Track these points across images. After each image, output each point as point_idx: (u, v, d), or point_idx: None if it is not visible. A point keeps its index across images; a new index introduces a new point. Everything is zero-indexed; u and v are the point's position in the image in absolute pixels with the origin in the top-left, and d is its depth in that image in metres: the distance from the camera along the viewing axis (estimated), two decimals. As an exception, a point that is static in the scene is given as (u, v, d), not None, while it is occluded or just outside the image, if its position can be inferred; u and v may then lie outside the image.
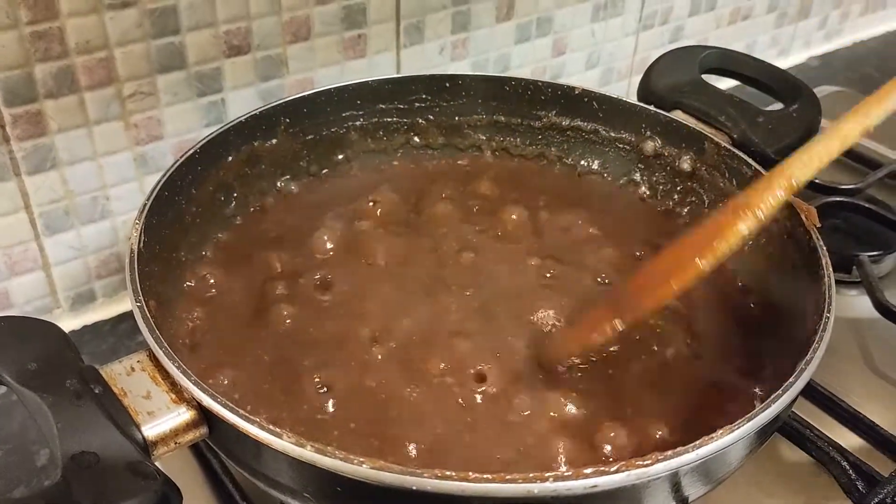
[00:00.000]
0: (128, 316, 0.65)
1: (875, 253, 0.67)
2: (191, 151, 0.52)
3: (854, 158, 0.81)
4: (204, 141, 0.53)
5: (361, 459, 0.33)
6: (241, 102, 0.64)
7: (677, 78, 0.61)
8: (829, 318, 0.41)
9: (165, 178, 0.49)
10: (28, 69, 0.54)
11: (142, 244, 0.45)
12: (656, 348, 0.47)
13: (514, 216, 0.57)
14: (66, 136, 0.58)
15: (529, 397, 0.44)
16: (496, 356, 0.46)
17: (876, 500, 0.47)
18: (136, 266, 0.43)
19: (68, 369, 0.37)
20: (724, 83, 0.66)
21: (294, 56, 0.65)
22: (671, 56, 0.63)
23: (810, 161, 0.45)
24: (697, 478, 0.37)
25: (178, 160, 0.51)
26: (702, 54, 0.63)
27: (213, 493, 0.51)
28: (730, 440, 0.35)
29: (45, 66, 0.55)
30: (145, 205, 0.47)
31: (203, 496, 0.51)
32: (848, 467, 0.49)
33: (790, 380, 0.38)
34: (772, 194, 0.44)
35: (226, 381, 0.44)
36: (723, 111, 0.58)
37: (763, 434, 0.39)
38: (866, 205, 0.71)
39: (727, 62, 0.64)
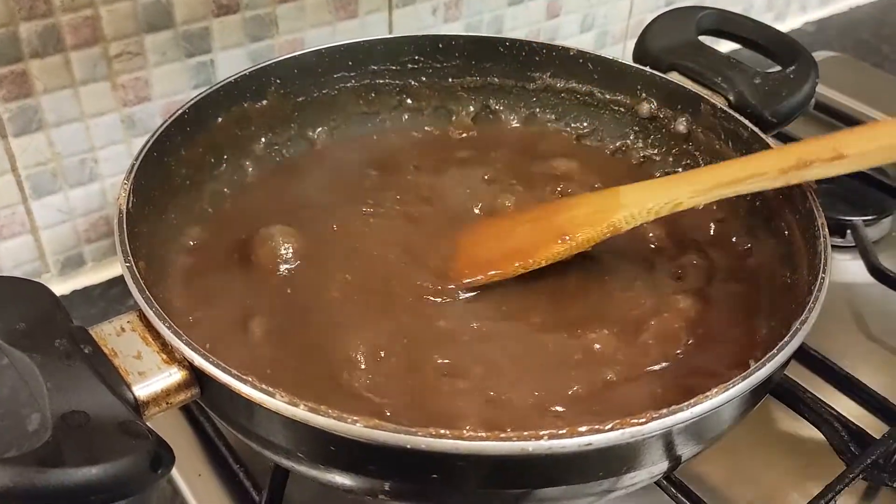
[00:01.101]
0: (118, 280, 0.65)
1: (869, 217, 0.67)
2: (180, 112, 0.51)
3: (847, 122, 0.80)
4: (193, 102, 0.52)
5: (355, 418, 0.33)
6: (231, 63, 0.63)
7: (674, 39, 0.60)
8: (824, 278, 0.41)
9: (154, 138, 0.48)
10: (12, 28, 0.53)
11: (131, 205, 0.44)
12: (652, 310, 0.47)
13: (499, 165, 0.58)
14: (52, 96, 0.57)
15: None
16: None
17: (868, 461, 0.48)
18: (125, 226, 0.42)
19: (58, 330, 0.37)
20: (722, 45, 0.65)
21: (284, 16, 0.64)
22: (668, 17, 0.62)
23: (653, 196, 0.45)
24: (691, 437, 0.37)
25: (166, 121, 0.50)
26: (699, 15, 0.62)
27: (205, 455, 0.51)
28: (724, 399, 0.35)
29: (30, 25, 0.54)
30: (134, 165, 0.46)
31: (195, 458, 0.51)
32: (841, 429, 0.50)
33: (785, 339, 0.38)
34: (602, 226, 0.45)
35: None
36: (719, 73, 0.57)
37: (757, 394, 0.39)
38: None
39: (724, 23, 0.63)
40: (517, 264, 0.47)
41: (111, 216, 0.64)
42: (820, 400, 0.51)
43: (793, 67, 0.59)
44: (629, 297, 0.48)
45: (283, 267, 0.49)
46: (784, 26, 1.04)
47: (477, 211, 0.54)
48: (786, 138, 0.72)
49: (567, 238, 0.46)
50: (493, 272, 0.48)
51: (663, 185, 0.46)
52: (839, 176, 0.70)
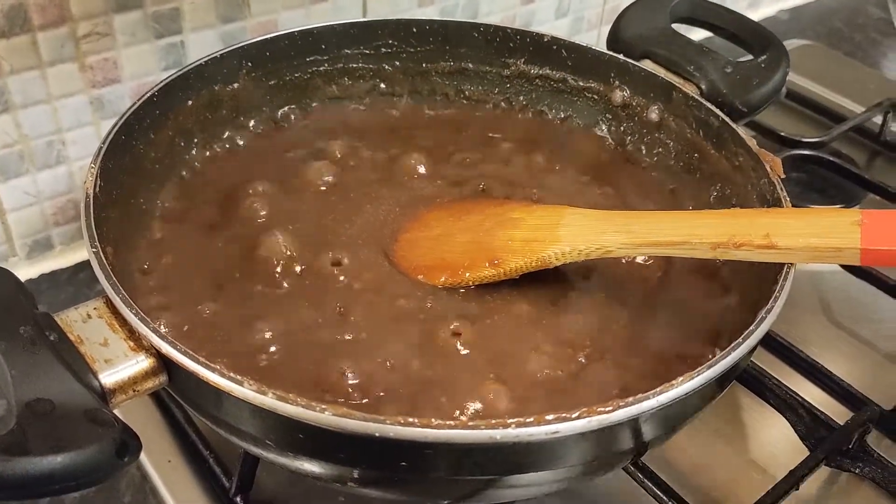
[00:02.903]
0: (86, 265, 0.62)
1: (837, 206, 0.68)
2: (149, 94, 0.50)
3: (819, 111, 0.81)
4: (163, 84, 0.51)
5: (324, 406, 0.33)
6: (202, 45, 0.62)
7: (647, 26, 0.60)
8: (790, 267, 0.42)
9: (122, 121, 0.47)
10: (-24, 6, 0.52)
11: (98, 188, 0.43)
12: (615, 298, 0.48)
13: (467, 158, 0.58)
14: (18, 77, 0.56)
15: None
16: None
17: (832, 447, 0.49)
18: (91, 211, 0.42)
19: (22, 316, 0.36)
20: (695, 33, 0.65)
21: (256, -2, 0.64)
22: (642, 4, 0.62)
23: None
24: (658, 424, 0.38)
25: (135, 103, 0.49)
26: (672, 3, 0.62)
27: (175, 442, 0.51)
28: (690, 387, 0.36)
29: (-5, 4, 0.53)
30: (101, 148, 0.45)
31: (166, 445, 0.51)
32: (805, 415, 0.50)
33: (751, 327, 0.39)
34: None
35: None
36: (692, 61, 0.57)
37: (723, 381, 0.40)
38: (830, 158, 0.71)
39: (697, 11, 0.63)
40: (443, 278, 0.47)
41: (79, 199, 0.63)
42: (785, 386, 0.52)
43: (764, 56, 0.59)
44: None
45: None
46: (758, 14, 1.04)
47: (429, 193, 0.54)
48: (757, 127, 0.73)
49: (497, 263, 0.46)
50: (421, 277, 0.48)
51: (598, 229, 0.45)
52: (810, 166, 0.72)
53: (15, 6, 0.53)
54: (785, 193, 0.47)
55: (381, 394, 0.41)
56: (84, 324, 0.37)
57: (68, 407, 0.33)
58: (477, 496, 0.40)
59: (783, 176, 0.48)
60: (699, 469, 0.50)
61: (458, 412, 0.41)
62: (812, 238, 0.40)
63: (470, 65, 0.62)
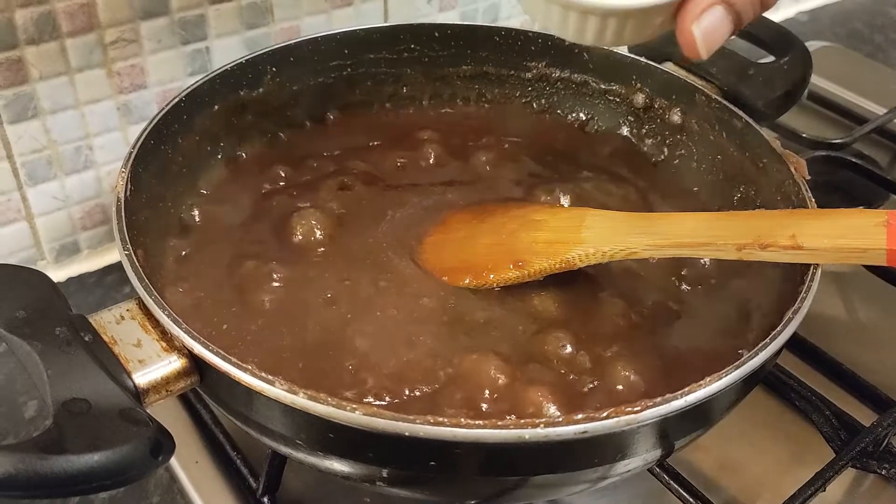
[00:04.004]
0: (113, 268, 0.65)
1: (861, 207, 0.67)
2: (176, 100, 0.51)
3: (840, 113, 0.81)
4: (189, 89, 0.52)
5: (354, 406, 0.34)
6: (226, 51, 0.63)
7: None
8: (816, 267, 0.42)
9: (151, 126, 0.48)
10: (8, 14, 0.53)
11: (128, 193, 0.44)
12: (641, 299, 0.48)
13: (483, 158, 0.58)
14: (47, 83, 0.57)
15: None
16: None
17: (857, 449, 0.48)
18: (122, 215, 0.42)
19: (57, 317, 0.37)
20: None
21: (279, 3, 0.64)
22: (663, 7, 0.62)
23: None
24: (685, 425, 0.38)
25: (163, 108, 0.50)
26: (693, 5, 0.62)
27: (202, 443, 0.51)
28: (718, 387, 0.36)
29: (26, 12, 0.54)
30: (131, 153, 0.46)
31: (193, 445, 0.51)
32: (830, 417, 0.50)
33: (778, 328, 0.39)
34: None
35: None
36: (714, 63, 0.57)
37: (749, 382, 0.40)
38: (853, 159, 0.71)
39: (719, 14, 0.63)
40: (467, 280, 0.47)
41: (106, 204, 0.64)
42: (809, 388, 0.52)
43: (787, 58, 0.59)
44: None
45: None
46: (777, 16, 1.04)
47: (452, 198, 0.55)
48: (778, 128, 0.73)
49: (521, 265, 0.46)
50: (445, 279, 0.48)
51: (623, 231, 0.45)
52: (832, 168, 0.72)
53: (44, 14, 0.54)
54: (810, 194, 0.47)
55: (405, 392, 0.41)
56: (118, 325, 0.38)
57: (104, 406, 0.34)
58: (505, 496, 0.40)
59: (808, 177, 0.48)
60: (725, 471, 0.50)
61: (479, 412, 0.41)
62: (838, 239, 0.40)
63: (491, 68, 0.63)
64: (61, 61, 0.56)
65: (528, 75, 0.62)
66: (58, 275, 0.64)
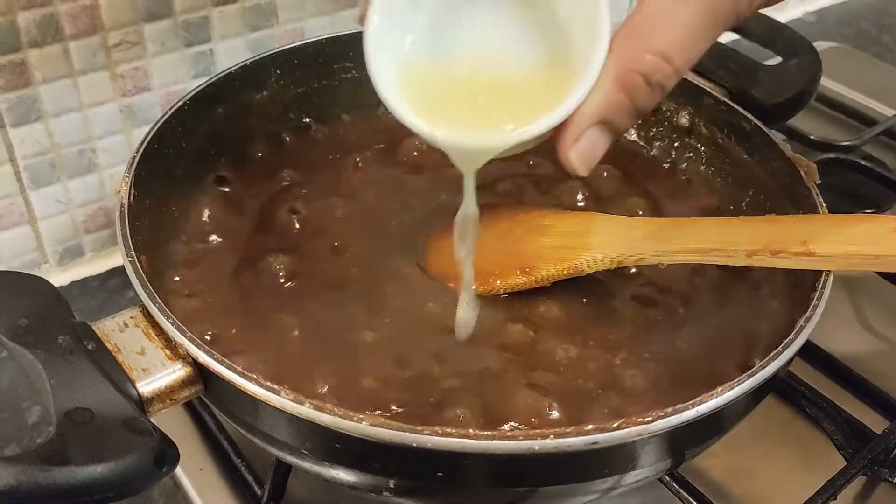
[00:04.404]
0: (117, 272, 0.64)
1: (870, 211, 0.67)
2: (180, 103, 0.50)
3: (848, 115, 0.80)
4: (193, 93, 0.51)
5: (361, 416, 0.33)
6: (230, 53, 0.62)
7: (677, 31, 0.60)
8: (828, 274, 0.41)
9: (155, 129, 0.48)
10: (11, 17, 0.53)
11: (132, 198, 0.44)
12: (650, 306, 0.47)
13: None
14: (50, 86, 0.56)
15: None
16: None
17: (868, 456, 0.48)
18: (126, 220, 0.42)
19: (60, 325, 0.36)
20: (724, 37, 0.64)
21: (284, 5, 0.64)
22: (670, 9, 0.62)
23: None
24: (696, 435, 0.37)
25: (167, 112, 0.49)
26: (701, 7, 0.62)
27: (207, 450, 0.51)
28: (730, 397, 0.35)
29: (29, 14, 0.53)
30: (134, 157, 0.46)
31: (197, 453, 0.51)
32: (841, 424, 0.50)
33: (790, 336, 0.38)
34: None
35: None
36: (722, 65, 0.57)
37: (761, 391, 0.39)
38: (862, 162, 0.71)
39: (727, 15, 0.63)
40: (473, 286, 0.46)
41: (110, 207, 0.64)
42: (820, 395, 0.51)
43: (796, 60, 0.58)
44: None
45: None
46: (784, 16, 1.03)
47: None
48: (786, 131, 0.72)
49: (528, 271, 0.46)
50: (452, 284, 0.47)
51: (631, 236, 0.44)
52: (841, 171, 0.71)
53: (47, 16, 0.54)
54: (821, 199, 0.46)
55: (411, 400, 0.41)
56: (121, 333, 0.38)
57: (107, 416, 0.33)
58: (512, 507, 0.40)
59: (819, 182, 0.47)
60: (735, 480, 0.50)
61: (487, 420, 0.40)
62: (850, 245, 0.40)
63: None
64: (64, 64, 0.56)
65: (535, 78, 0.61)
66: (61, 278, 0.63)
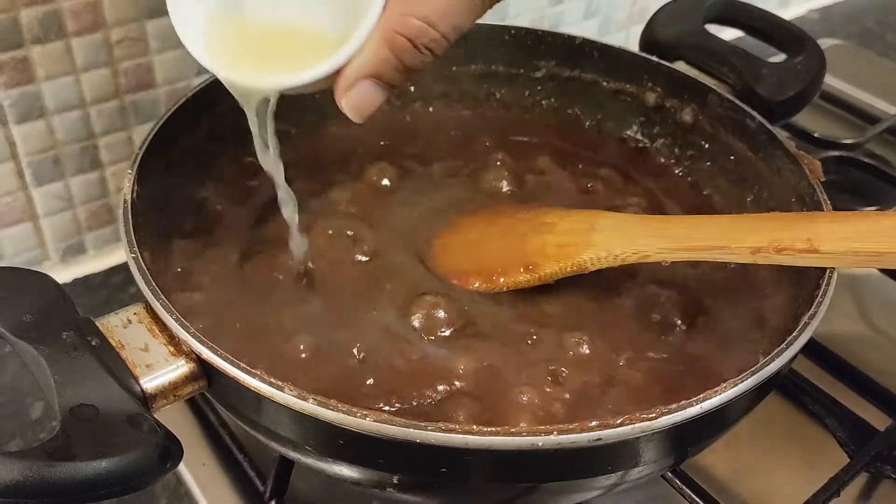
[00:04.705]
0: (119, 269, 0.64)
1: (873, 208, 0.66)
2: (183, 100, 0.50)
3: (852, 112, 0.80)
4: (196, 90, 0.51)
5: (365, 412, 0.33)
6: (234, 50, 0.62)
7: (680, 28, 0.60)
8: (832, 271, 0.41)
9: (158, 127, 0.48)
10: (13, 13, 0.53)
11: (135, 194, 0.44)
12: (653, 303, 0.47)
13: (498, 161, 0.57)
14: (53, 83, 0.56)
15: None
16: None
17: (871, 453, 0.48)
18: (129, 216, 0.42)
19: (64, 321, 0.36)
20: (728, 34, 0.64)
21: (287, 2, 0.64)
22: (674, 5, 0.62)
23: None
24: (700, 431, 0.37)
25: (170, 109, 0.49)
26: (705, 3, 0.62)
27: (209, 446, 0.51)
28: (734, 393, 0.35)
29: (31, 11, 0.53)
30: (137, 154, 0.46)
31: (200, 449, 0.51)
32: (845, 421, 0.50)
33: (794, 333, 0.38)
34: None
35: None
36: (726, 62, 0.57)
37: (765, 388, 0.39)
38: (866, 160, 0.70)
39: (731, 12, 0.63)
40: (477, 284, 0.47)
41: (112, 204, 0.64)
42: (823, 392, 0.51)
43: (800, 58, 0.58)
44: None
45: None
46: (788, 14, 1.03)
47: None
48: (790, 128, 0.72)
49: (532, 269, 0.46)
50: (455, 282, 0.47)
51: (635, 234, 0.44)
52: (845, 168, 0.71)
53: (50, 13, 0.54)
54: (825, 196, 0.46)
55: (415, 397, 0.41)
56: (125, 329, 0.38)
57: (111, 412, 0.33)
58: (516, 503, 0.40)
59: (823, 179, 0.47)
60: (738, 476, 0.50)
61: (490, 417, 0.40)
62: (854, 242, 0.40)
63: (500, 67, 0.62)
64: (67, 61, 0.56)
65: (538, 74, 0.61)
66: (63, 276, 0.63)
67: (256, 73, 0.41)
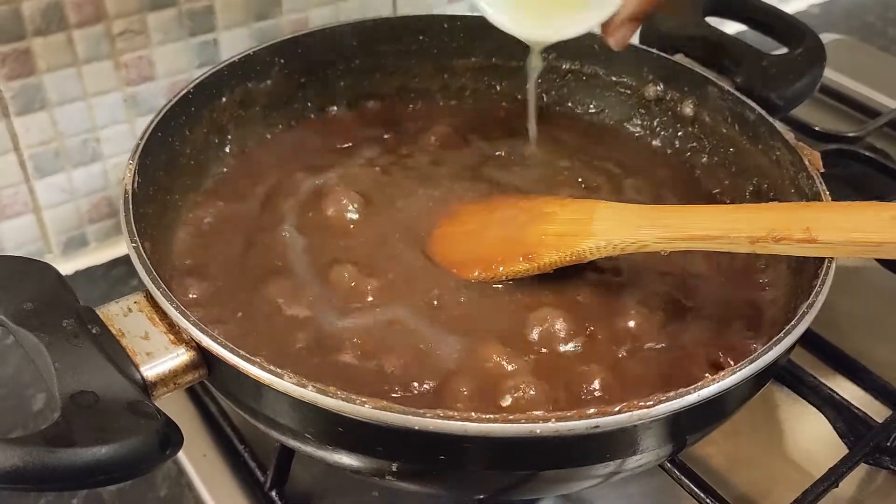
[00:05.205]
0: (120, 261, 0.64)
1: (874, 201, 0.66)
2: (184, 92, 0.51)
3: (852, 106, 0.80)
4: (197, 81, 0.52)
5: (364, 399, 0.33)
6: (235, 42, 0.63)
7: (681, 20, 0.60)
8: (830, 261, 0.41)
9: (159, 117, 0.48)
10: (15, 5, 0.53)
11: (136, 185, 0.44)
12: (651, 292, 0.47)
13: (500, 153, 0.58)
14: (54, 75, 0.56)
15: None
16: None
17: (870, 444, 0.48)
18: (130, 207, 0.42)
19: (65, 309, 0.37)
20: (728, 27, 0.64)
21: (288, -5, 0.64)
22: (675, -3, 0.62)
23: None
24: (698, 420, 0.38)
25: (171, 100, 0.49)
26: (705, -4, 0.62)
27: (210, 436, 0.51)
28: (732, 382, 0.35)
29: (33, 3, 0.53)
30: (139, 145, 0.46)
31: (200, 438, 0.51)
32: (843, 412, 0.50)
33: (792, 323, 0.38)
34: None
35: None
36: (727, 55, 0.57)
37: (763, 377, 0.39)
38: (866, 153, 0.70)
39: (731, 4, 0.62)
40: (477, 273, 0.47)
41: (114, 196, 0.64)
42: (822, 383, 0.51)
43: (800, 50, 0.58)
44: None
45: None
46: (789, 7, 1.03)
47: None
48: (790, 121, 0.72)
49: (531, 258, 0.46)
50: (455, 271, 0.47)
51: (634, 223, 0.44)
52: (845, 161, 0.71)
53: (51, 5, 0.54)
54: (824, 187, 0.46)
55: (414, 384, 0.41)
56: (125, 317, 0.38)
57: (111, 399, 0.34)
58: (514, 490, 0.40)
59: (822, 170, 0.47)
60: (736, 467, 0.50)
61: (488, 405, 0.41)
62: (852, 232, 0.40)
63: (500, 60, 0.62)
64: (69, 53, 0.56)
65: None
66: (65, 268, 0.63)
67: (536, 26, 0.51)
